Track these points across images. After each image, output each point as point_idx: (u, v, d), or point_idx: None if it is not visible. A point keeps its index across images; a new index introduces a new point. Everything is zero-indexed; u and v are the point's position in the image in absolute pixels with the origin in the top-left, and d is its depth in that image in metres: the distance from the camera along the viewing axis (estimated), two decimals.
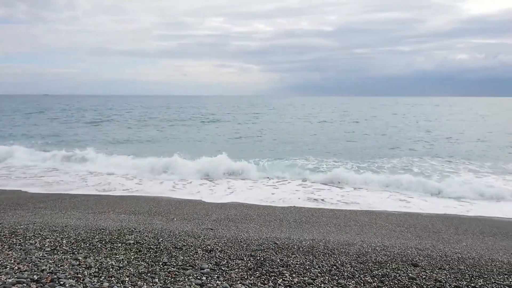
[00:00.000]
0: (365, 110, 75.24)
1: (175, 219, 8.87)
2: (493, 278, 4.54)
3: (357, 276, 4.43)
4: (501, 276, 4.64)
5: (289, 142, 26.13)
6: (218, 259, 4.77)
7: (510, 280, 4.48)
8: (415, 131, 33.95)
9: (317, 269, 4.61)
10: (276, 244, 5.96)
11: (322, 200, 11.87)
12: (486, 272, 4.81)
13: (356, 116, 55.41)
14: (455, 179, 14.22)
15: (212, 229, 7.46)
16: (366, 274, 4.51)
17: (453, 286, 4.18)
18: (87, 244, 5.11)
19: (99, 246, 5.07)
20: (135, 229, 6.55)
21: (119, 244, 5.21)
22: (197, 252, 5.08)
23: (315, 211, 10.33)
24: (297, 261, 4.90)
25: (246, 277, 4.17)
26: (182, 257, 4.76)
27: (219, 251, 5.23)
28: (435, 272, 4.70)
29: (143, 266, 4.28)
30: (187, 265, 4.46)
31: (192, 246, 5.45)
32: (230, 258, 4.85)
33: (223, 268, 4.40)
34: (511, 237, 8.31)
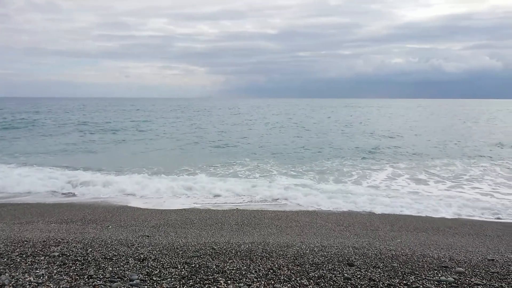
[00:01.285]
0: (298, 111, 76.96)
1: (110, 226, 8.44)
2: (423, 274, 4.66)
3: (293, 279, 4.36)
4: (431, 272, 4.77)
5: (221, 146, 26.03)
6: (150, 269, 4.53)
7: (440, 275, 4.62)
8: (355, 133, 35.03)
9: (253, 274, 4.49)
10: (214, 249, 5.80)
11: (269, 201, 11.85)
12: (417, 269, 4.93)
13: (296, 118, 56.45)
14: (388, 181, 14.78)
15: (148, 236, 7.15)
16: (303, 276, 4.46)
17: (386, 285, 4.22)
18: (5, 259, 4.67)
19: (18, 260, 4.64)
20: (62, 239, 6.11)
21: (42, 257, 4.80)
22: (128, 262, 4.79)
23: (257, 213, 10.27)
24: (234, 267, 4.76)
25: (178, 286, 3.97)
26: (111, 268, 4.46)
27: (153, 259, 4.98)
28: (369, 271, 4.75)
29: (66, 280, 3.95)
30: (116, 277, 4.18)
31: (123, 255, 5.15)
32: (163, 267, 4.62)
33: (154, 278, 4.17)
34: (442, 232, 8.70)
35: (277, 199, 11.95)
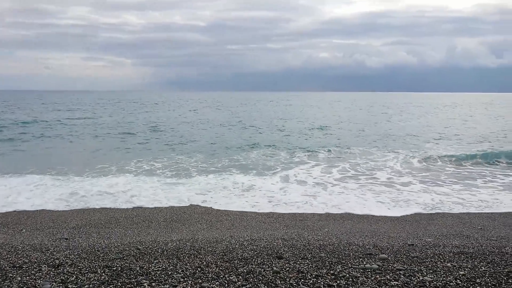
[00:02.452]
0: (228, 105, 77.13)
1: (24, 230, 7.75)
2: (350, 263, 4.75)
3: (222, 276, 4.23)
4: (357, 260, 4.88)
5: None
6: (66, 275, 4.15)
7: (365, 263, 4.73)
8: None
9: (180, 273, 4.29)
10: (139, 249, 5.50)
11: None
12: (344, 257, 5.02)
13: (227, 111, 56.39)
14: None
15: (67, 239, 6.65)
16: (231, 273, 4.34)
17: (314, 276, 4.23)
18: None
19: None
20: None
21: None
22: (41, 269, 4.37)
23: (188, 208, 10.00)
24: (160, 267, 4.53)
25: None
26: (20, 278, 4.03)
27: (69, 265, 4.59)
28: (298, 262, 4.75)
29: None
30: (25, 287, 3.77)
31: (36, 262, 4.70)
32: (81, 273, 4.26)
33: (69, 286, 3.82)
34: (366, 219, 9.03)
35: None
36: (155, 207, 10.03)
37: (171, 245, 5.84)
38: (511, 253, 5.30)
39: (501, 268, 4.53)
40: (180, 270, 4.41)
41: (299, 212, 9.68)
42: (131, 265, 4.61)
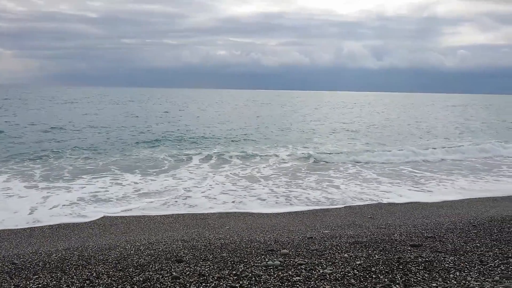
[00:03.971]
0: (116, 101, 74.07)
1: None
2: (252, 261, 4.64)
3: (114, 287, 3.82)
4: (259, 257, 4.80)
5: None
6: None
7: (267, 260, 4.66)
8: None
9: None
10: (15, 264, 4.79)
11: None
12: (246, 256, 4.91)
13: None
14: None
15: None
16: (126, 283, 3.95)
17: (216, 278, 4.04)
18: None
19: None
20: None
21: None
22: None
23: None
24: (40, 283, 3.95)
25: None
26: None
27: None
28: (199, 265, 4.52)
29: None
30: None
31: None
32: None
33: None
34: (266, 214, 9.10)
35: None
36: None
37: (56, 256, 5.20)
38: (399, 240, 5.66)
39: (392, 255, 4.79)
40: (65, 285, 3.90)
41: (200, 212, 9.41)
42: (3, 284, 3.96)
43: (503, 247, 5.17)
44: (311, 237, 6.07)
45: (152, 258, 4.90)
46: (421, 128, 31.25)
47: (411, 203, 10.05)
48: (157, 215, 9.01)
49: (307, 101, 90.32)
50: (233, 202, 10.12)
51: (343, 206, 9.77)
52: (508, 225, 6.46)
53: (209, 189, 11.36)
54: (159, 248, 5.49)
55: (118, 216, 8.84)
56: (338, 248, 5.22)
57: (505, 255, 4.82)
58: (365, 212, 9.01)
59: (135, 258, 4.90)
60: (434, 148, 19.23)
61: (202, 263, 4.62)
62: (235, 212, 9.25)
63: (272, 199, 10.42)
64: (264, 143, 21.18)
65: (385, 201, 10.34)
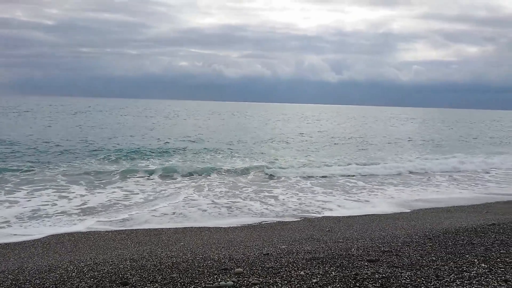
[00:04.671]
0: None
1: None
2: (204, 281, 4.38)
3: None
4: (212, 277, 4.53)
5: None
6: None
7: (219, 280, 4.41)
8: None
9: None
10: None
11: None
12: (198, 276, 4.63)
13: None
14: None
15: None
16: None
17: None
18: None
19: None
20: None
21: None
22: None
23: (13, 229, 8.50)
24: None
25: None
26: None
27: None
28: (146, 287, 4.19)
29: None
30: None
31: None
32: None
33: None
34: (224, 228, 8.82)
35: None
36: None
37: None
38: (356, 255, 5.55)
39: (349, 271, 4.66)
40: None
41: (153, 227, 9.01)
42: None
43: (458, 260, 5.16)
44: (268, 253, 5.85)
45: (95, 281, 4.52)
46: (372, 143, 32.01)
47: (369, 215, 10.09)
48: (108, 231, 8.54)
49: (268, 113, 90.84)
50: (173, 213, 9.97)
51: (300, 219, 9.67)
52: (462, 237, 6.52)
53: (163, 202, 10.98)
54: (104, 270, 5.09)
55: (65, 233, 8.29)
56: (295, 265, 5.04)
57: (460, 269, 4.81)
58: (323, 225, 8.91)
59: (75, 282, 4.51)
60: (384, 163, 19.64)
61: (149, 285, 4.30)
62: (192, 227, 8.92)
63: (214, 210, 10.40)
64: (220, 154, 20.97)
65: (327, 213, 10.38)
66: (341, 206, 11.24)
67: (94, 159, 18.19)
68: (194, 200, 11.54)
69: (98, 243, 7.59)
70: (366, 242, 6.63)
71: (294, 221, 9.44)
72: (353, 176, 16.11)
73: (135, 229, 8.79)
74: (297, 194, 12.63)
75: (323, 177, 15.75)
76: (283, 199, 11.83)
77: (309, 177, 15.59)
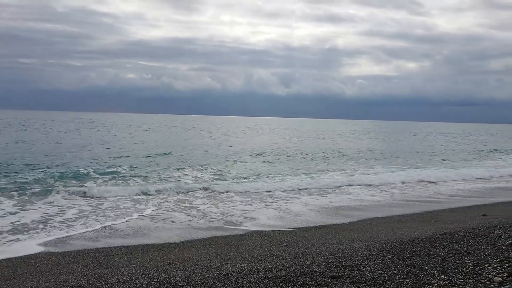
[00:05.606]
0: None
1: None
2: None
3: None
4: None
5: None
6: None
7: None
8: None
9: None
10: None
11: None
12: None
13: None
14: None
15: None
16: None
17: None
18: None
19: None
20: None
21: None
22: None
23: None
24: None
25: None
26: None
27: None
28: None
29: None
30: None
31: None
32: None
33: None
34: (178, 246, 8.42)
35: None
36: None
37: None
38: (318, 271, 5.43)
39: None
40: None
41: (101, 246, 8.46)
42: None
43: (418, 272, 5.18)
44: (227, 274, 5.60)
45: None
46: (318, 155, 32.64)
47: (325, 226, 10.08)
48: (51, 253, 7.90)
49: (217, 126, 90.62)
50: (122, 230, 9.36)
51: (258, 234, 9.47)
52: (419, 248, 6.61)
53: (108, 219, 10.41)
54: None
55: (2, 259, 7.56)
56: (257, 285, 4.83)
57: (422, 282, 4.81)
58: (280, 240, 8.77)
59: None
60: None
61: None
62: (144, 245, 8.47)
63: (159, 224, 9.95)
64: (163, 166, 20.54)
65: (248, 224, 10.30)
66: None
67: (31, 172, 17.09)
68: (143, 215, 11.06)
69: (40, 269, 6.95)
70: (326, 257, 6.54)
71: (250, 236, 9.23)
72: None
73: (81, 250, 8.21)
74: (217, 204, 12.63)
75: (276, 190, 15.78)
76: (204, 209, 11.95)
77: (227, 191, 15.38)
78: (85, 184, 15.54)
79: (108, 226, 10.06)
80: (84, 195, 13.62)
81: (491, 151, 37.95)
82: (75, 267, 7.04)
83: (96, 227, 9.91)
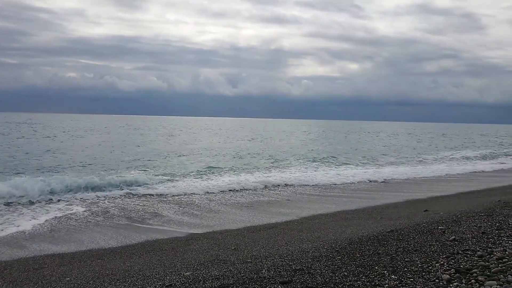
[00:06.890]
0: None
1: None
2: None
3: None
4: None
5: None
6: None
7: None
8: None
9: None
10: None
11: None
12: None
13: None
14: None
15: None
16: None
17: None
18: None
19: None
20: None
21: None
22: None
23: None
24: None
25: None
26: None
27: None
28: None
29: None
30: None
31: None
32: None
33: None
34: (119, 254, 7.88)
35: None
36: None
37: None
38: (268, 277, 5.18)
39: None
40: None
41: (30, 255, 7.73)
42: None
43: (369, 273, 5.07)
44: (171, 285, 5.20)
45: None
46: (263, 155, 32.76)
47: (273, 227, 9.89)
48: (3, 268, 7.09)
49: (162, 126, 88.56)
50: (51, 234, 8.67)
51: (205, 238, 9.10)
52: (367, 247, 6.54)
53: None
54: None
55: None
56: None
57: (373, 283, 4.69)
58: (228, 243, 8.44)
59: None
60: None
61: None
62: (80, 252, 7.84)
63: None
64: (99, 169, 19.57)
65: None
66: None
67: None
68: (68, 218, 10.33)
69: None
70: (275, 260, 6.30)
71: (196, 239, 8.84)
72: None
73: (6, 261, 7.46)
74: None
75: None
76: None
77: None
78: None
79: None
80: None
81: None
82: (0, 283, 6.34)
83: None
